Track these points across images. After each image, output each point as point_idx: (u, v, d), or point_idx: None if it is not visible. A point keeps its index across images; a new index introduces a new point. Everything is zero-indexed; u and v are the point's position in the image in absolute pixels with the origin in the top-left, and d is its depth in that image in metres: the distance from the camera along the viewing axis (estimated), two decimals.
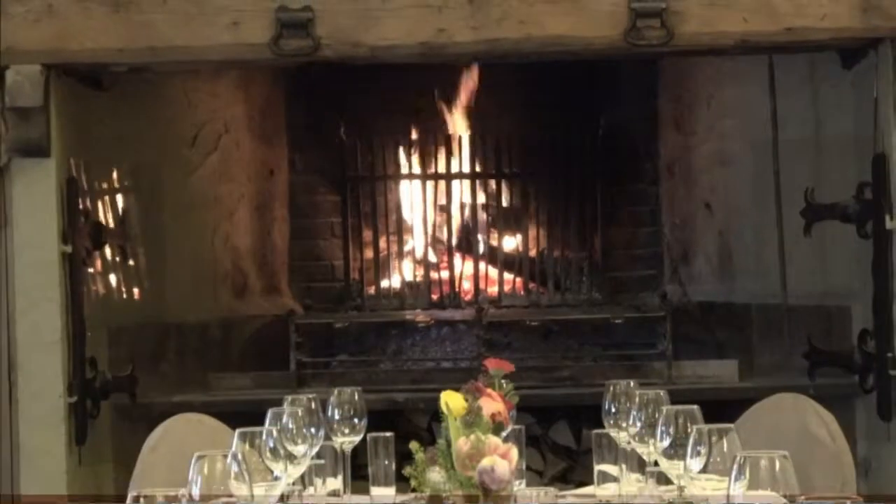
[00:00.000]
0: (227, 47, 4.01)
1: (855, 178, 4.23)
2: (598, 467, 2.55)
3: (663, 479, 2.06)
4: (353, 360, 4.86)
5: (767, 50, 4.29)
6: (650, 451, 2.26)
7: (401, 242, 5.07)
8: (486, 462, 1.79)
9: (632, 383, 2.52)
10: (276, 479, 2.01)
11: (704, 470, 1.96)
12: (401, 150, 5.07)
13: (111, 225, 4.53)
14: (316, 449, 2.36)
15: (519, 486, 2.04)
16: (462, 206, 5.04)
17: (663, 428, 2.17)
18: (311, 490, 2.41)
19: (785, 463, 1.67)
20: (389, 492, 2.55)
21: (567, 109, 5.02)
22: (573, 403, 4.27)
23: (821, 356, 4.34)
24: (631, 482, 2.40)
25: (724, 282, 5.02)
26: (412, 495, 2.32)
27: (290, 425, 2.27)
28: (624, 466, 2.42)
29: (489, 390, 2.15)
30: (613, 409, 2.49)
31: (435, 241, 5.13)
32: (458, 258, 5.05)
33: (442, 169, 4.98)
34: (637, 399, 2.37)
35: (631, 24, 3.87)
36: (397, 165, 5.05)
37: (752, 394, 3.51)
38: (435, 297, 4.94)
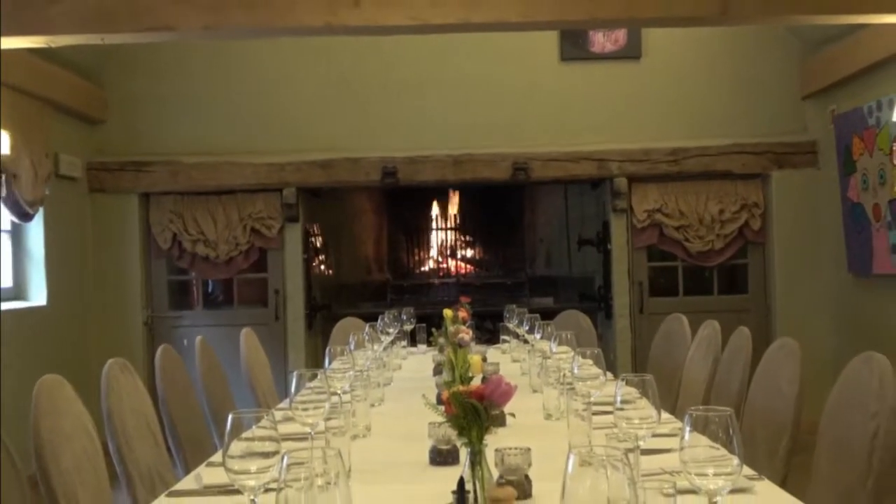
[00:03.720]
0: (369, 182, 6.08)
1: (595, 229, 6.47)
2: (503, 336, 4.23)
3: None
4: (411, 296, 6.79)
5: (565, 182, 6.45)
6: (522, 332, 3.54)
7: (428, 253, 7.52)
8: (460, 334, 2.46)
9: (514, 306, 3.91)
10: (382, 342, 3.27)
11: (542, 338, 3.16)
12: (431, 217, 7.48)
13: (320, 247, 6.66)
14: (397, 331, 3.75)
15: (472, 344, 2.72)
16: (454, 240, 7.48)
17: (527, 323, 3.47)
18: (394, 347, 3.73)
19: (572, 335, 2.66)
20: (423, 347, 4.33)
21: (492, 204, 7.27)
22: (492, 313, 5.49)
23: (583, 295, 6.67)
24: (518, 349, 3.77)
25: (548, 267, 7.40)
26: (433, 347, 3.63)
27: (387, 320, 3.63)
28: (515, 340, 3.92)
29: (461, 308, 3.38)
30: (508, 315, 3.89)
31: (441, 252, 7.52)
32: (450, 259, 7.51)
33: (444, 224, 7.48)
34: (516, 311, 3.77)
35: (513, 171, 5.99)
36: (429, 224, 7.50)
37: (559, 310, 5.14)
38: (441, 273, 7.41)
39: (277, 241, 6.17)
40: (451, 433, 1.42)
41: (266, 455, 1.34)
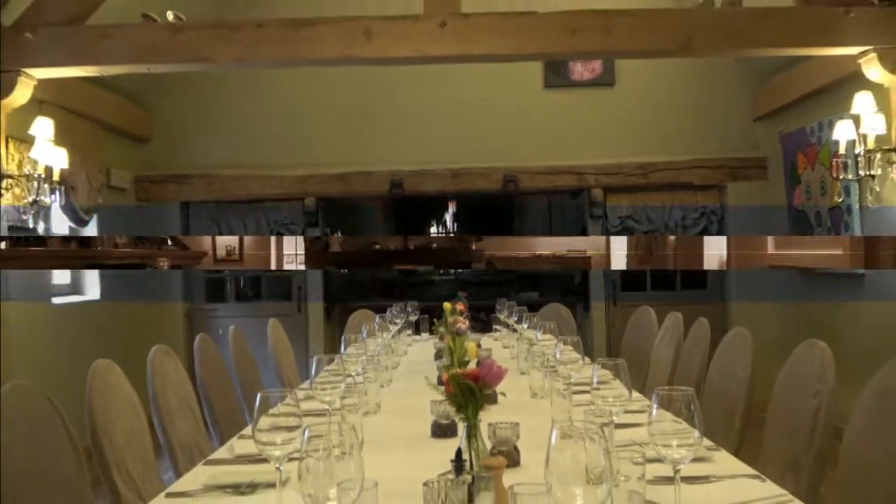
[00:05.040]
0: (379, 192, 6.09)
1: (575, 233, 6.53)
2: (495, 326, 4.16)
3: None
4: (415, 291, 6.90)
5: (548, 193, 6.48)
6: (512, 322, 3.56)
7: None
8: (458, 324, 2.38)
9: (505, 299, 4.07)
10: (391, 331, 3.26)
11: (529, 328, 3.09)
12: (432, 222, 7.35)
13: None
14: (403, 321, 3.78)
15: (468, 333, 2.48)
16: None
17: (515, 314, 3.48)
18: (400, 335, 3.65)
19: (554, 325, 2.71)
20: (426, 335, 4.24)
21: (486, 211, 7.23)
22: (486, 305, 5.15)
23: (565, 290, 6.73)
24: (508, 337, 3.72)
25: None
26: (434, 336, 3.35)
27: (394, 312, 3.78)
28: (505, 329, 3.89)
29: (459, 301, 3.19)
30: (499, 307, 4.06)
31: None
32: None
33: (444, 229, 7.31)
34: (506, 304, 3.90)
35: (504, 183, 6.02)
36: (431, 228, 7.34)
37: (543, 303, 5.04)
38: (441, 272, 7.33)
39: None
40: (450, 410, 1.41)
41: (290, 429, 1.34)
